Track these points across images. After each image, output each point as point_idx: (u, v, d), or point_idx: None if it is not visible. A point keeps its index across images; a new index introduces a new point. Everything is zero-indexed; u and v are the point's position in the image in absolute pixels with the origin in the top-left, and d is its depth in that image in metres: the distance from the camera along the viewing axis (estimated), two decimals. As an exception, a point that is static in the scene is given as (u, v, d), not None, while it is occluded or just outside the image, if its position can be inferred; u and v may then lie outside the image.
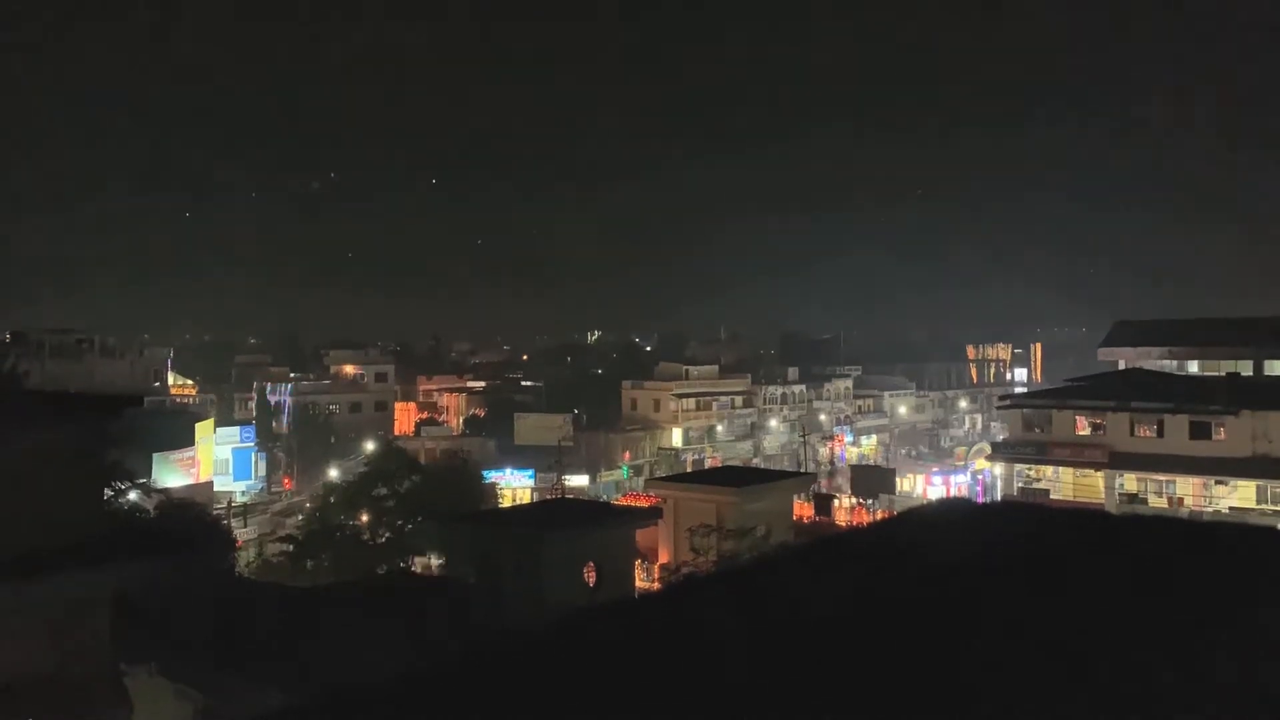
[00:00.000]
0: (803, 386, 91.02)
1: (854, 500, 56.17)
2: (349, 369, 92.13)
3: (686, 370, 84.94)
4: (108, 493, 28.91)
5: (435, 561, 33.54)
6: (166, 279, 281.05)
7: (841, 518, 48.63)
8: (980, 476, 60.65)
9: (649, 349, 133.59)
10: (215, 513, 45.31)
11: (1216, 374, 58.36)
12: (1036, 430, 51.22)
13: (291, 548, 35.12)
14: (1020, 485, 50.97)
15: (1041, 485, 50.36)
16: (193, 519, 32.77)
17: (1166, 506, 44.80)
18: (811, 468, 73.54)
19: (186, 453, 58.66)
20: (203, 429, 63.58)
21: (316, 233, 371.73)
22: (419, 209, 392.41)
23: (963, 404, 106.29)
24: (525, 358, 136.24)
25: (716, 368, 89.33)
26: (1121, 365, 61.55)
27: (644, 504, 36.50)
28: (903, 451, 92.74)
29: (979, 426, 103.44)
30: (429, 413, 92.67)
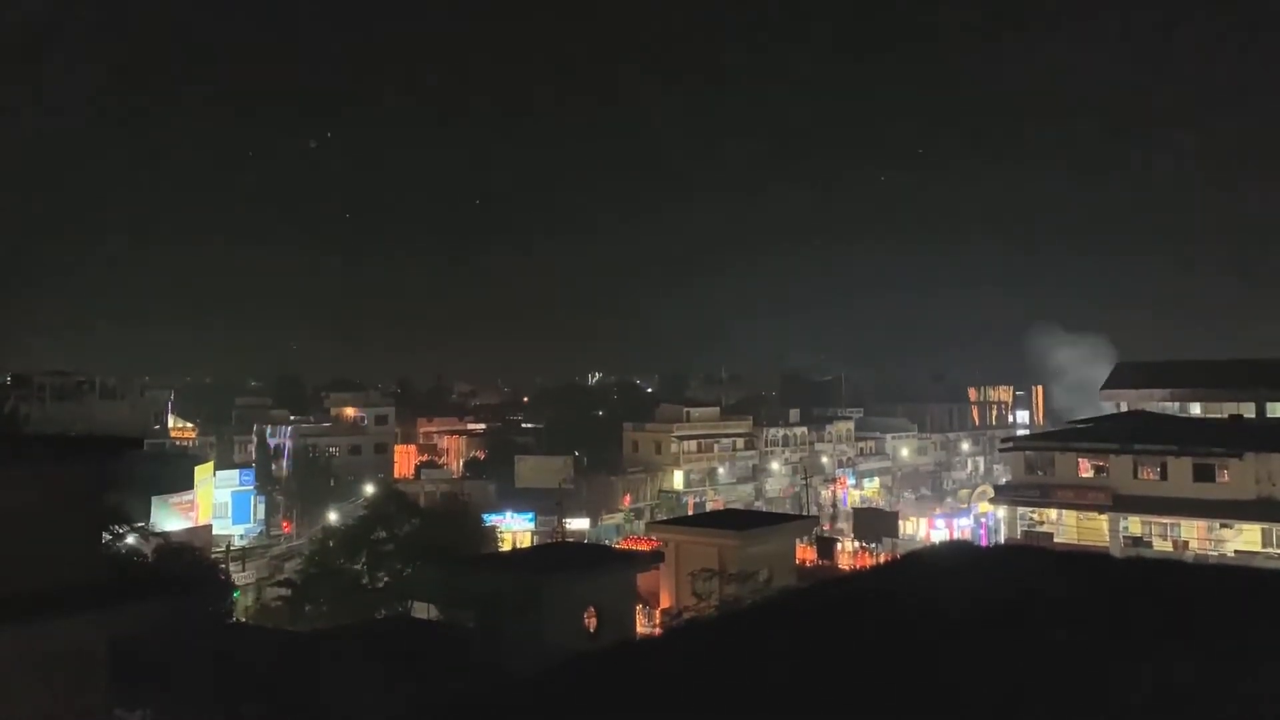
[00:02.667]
0: (804, 428, 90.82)
1: (857, 543, 55.82)
2: (349, 411, 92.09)
3: (688, 412, 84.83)
4: (106, 536, 28.79)
5: (433, 608, 33.26)
6: (167, 321, 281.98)
7: (844, 561, 48.29)
8: (983, 519, 60.29)
9: (650, 390, 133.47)
10: (213, 557, 45.06)
11: (1219, 416, 58.31)
12: (1039, 473, 50.99)
13: (290, 592, 34.85)
14: (1023, 528, 50.62)
15: (1045, 528, 50.01)
16: (191, 563, 32.60)
17: (1171, 550, 44.46)
18: (814, 510, 73.18)
19: (185, 496, 58.43)
20: (202, 472, 63.40)
21: (318, 274, 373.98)
22: (419, 251, 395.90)
23: (965, 446, 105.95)
24: (526, 399, 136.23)
25: (718, 409, 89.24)
26: (1124, 407, 61.48)
27: (645, 548, 36.30)
28: (906, 494, 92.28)
29: (981, 469, 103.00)
30: (429, 455, 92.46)
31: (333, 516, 58.33)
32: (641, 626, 22.07)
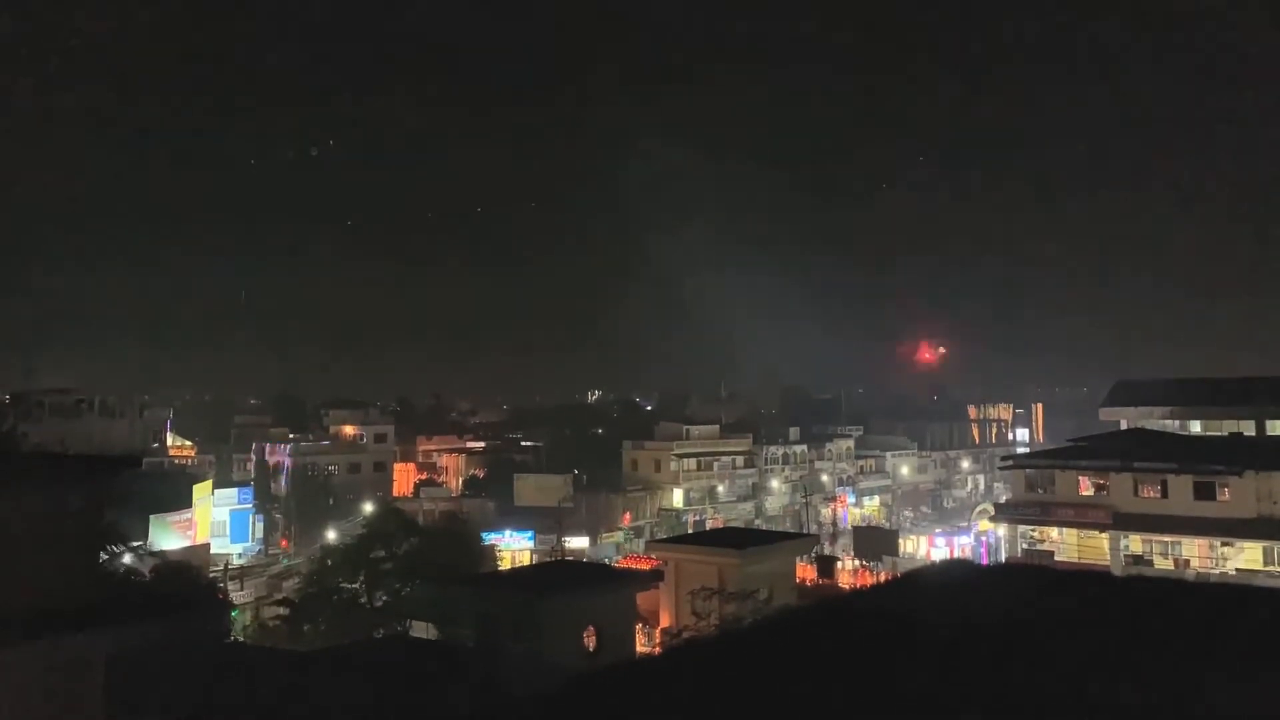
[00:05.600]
0: (804, 446, 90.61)
1: (857, 562, 55.60)
2: (349, 429, 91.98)
3: (687, 430, 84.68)
4: (104, 555, 28.66)
5: (432, 628, 33.08)
6: (166, 339, 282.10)
7: (845, 580, 48.07)
8: (984, 538, 60.09)
9: (649, 408, 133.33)
10: (211, 575, 44.87)
11: (1219, 434, 58.26)
12: (1039, 491, 50.86)
13: (288, 611, 34.68)
14: (1024, 547, 50.46)
15: (1046, 547, 49.86)
16: (188, 582, 32.43)
17: (1173, 568, 44.30)
18: (814, 529, 72.96)
19: (184, 514, 58.21)
20: (200, 490, 63.19)
21: (317, 292, 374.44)
22: (418, 268, 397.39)
23: (965, 464, 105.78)
24: (525, 417, 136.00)
25: (717, 427, 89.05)
26: (1123, 425, 61.43)
27: (644, 566, 36.20)
28: (906, 512, 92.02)
29: (981, 487, 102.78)
30: (428, 473, 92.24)
31: (331, 535, 58.08)
32: (641, 646, 21.96)
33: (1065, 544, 49.07)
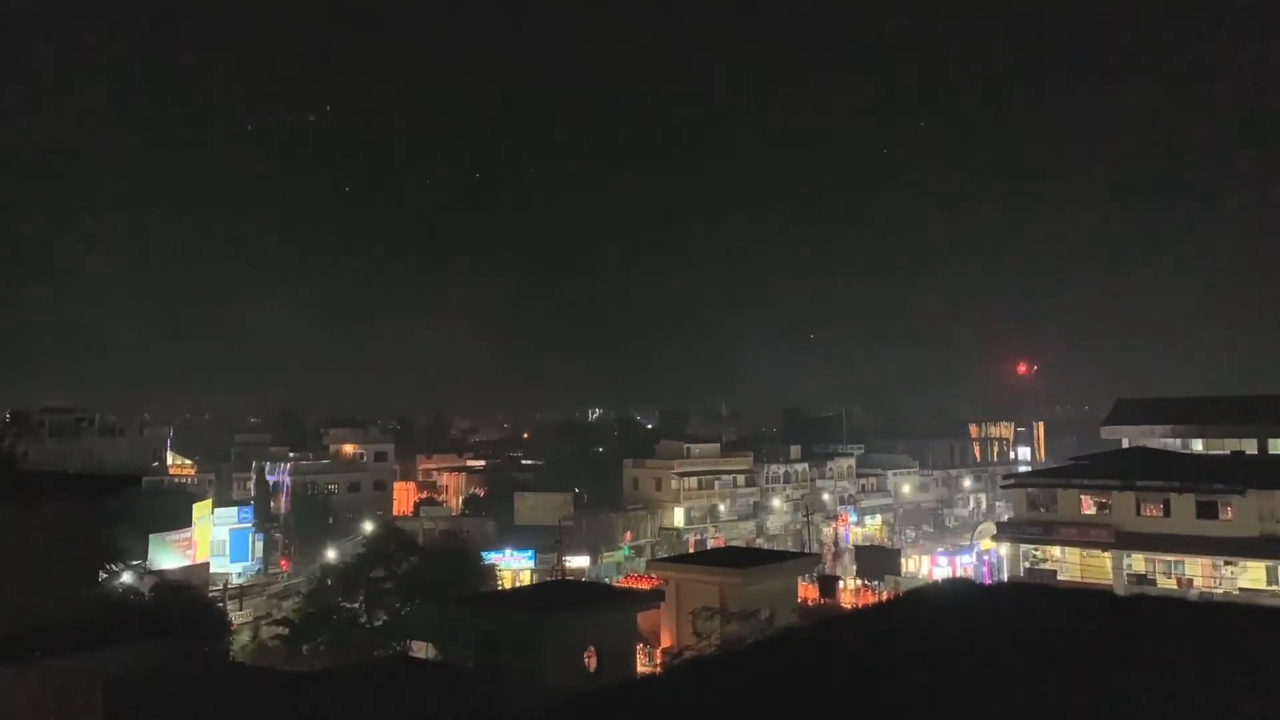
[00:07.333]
0: (805, 465, 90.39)
1: (859, 581, 55.42)
2: (349, 448, 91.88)
3: (688, 448, 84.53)
4: (103, 574, 28.58)
5: (432, 648, 32.97)
6: (168, 356, 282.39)
7: (847, 599, 47.91)
8: (986, 557, 59.89)
9: (650, 427, 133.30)
10: (211, 595, 44.70)
11: (1221, 452, 58.20)
12: (1041, 510, 50.73)
13: (287, 631, 34.54)
14: (1027, 566, 50.29)
15: (1048, 566, 49.70)
16: (188, 601, 32.29)
17: (1176, 587, 44.12)
18: (815, 548, 72.67)
19: (183, 533, 58.08)
20: (200, 509, 63.06)
21: (319, 309, 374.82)
22: (423, 285, 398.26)
23: (966, 483, 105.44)
24: (526, 435, 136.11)
25: (718, 446, 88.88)
26: (1125, 443, 61.37)
27: (645, 586, 36.06)
28: (908, 531, 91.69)
29: (983, 506, 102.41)
30: (428, 492, 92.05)
31: (331, 554, 57.92)
32: (642, 666, 21.86)
33: (1068, 563, 48.91)
